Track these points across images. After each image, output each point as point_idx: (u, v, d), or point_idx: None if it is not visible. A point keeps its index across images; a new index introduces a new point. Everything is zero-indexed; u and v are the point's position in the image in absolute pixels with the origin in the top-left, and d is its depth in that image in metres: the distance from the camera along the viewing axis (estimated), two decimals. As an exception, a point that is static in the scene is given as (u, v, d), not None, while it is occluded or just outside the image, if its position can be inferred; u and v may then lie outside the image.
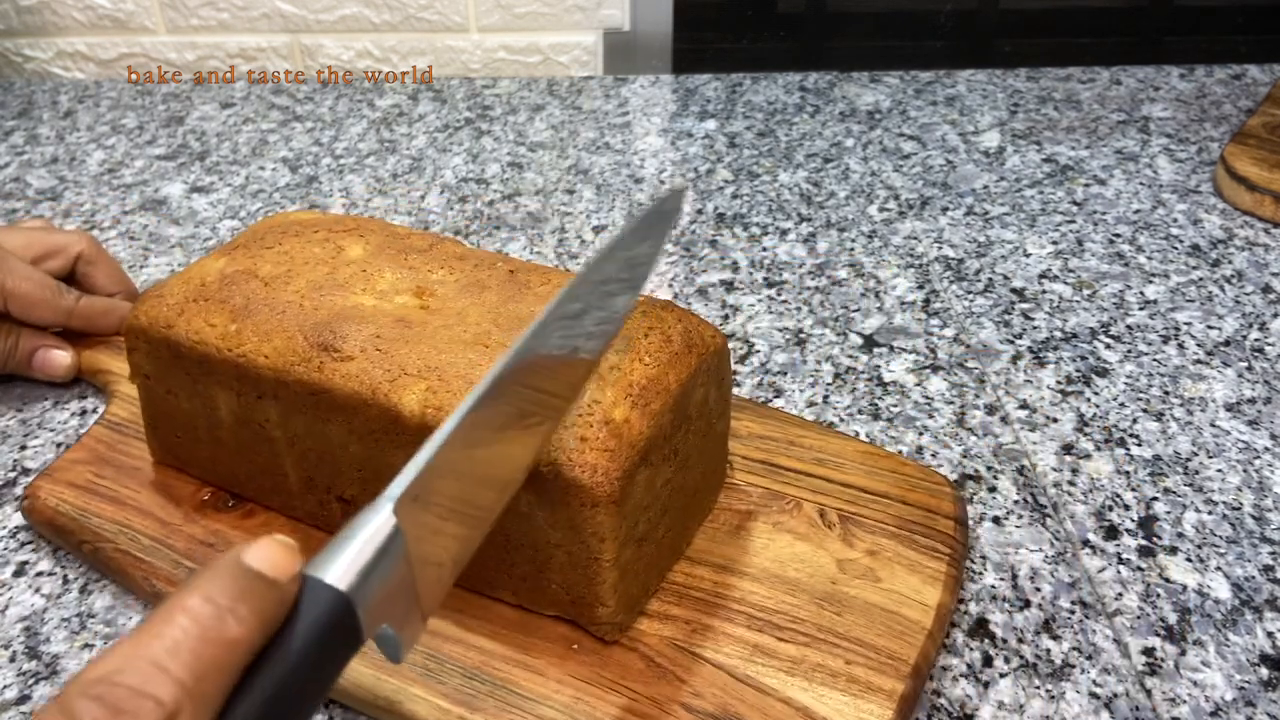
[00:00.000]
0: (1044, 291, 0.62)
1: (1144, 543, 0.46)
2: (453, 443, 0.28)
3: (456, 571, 0.30)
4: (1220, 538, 0.46)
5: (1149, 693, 0.39)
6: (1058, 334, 0.59)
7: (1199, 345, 0.58)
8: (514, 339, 0.38)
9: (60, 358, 0.52)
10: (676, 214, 0.37)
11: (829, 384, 0.55)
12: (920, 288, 0.63)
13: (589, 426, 0.35)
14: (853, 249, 0.67)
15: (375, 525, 0.25)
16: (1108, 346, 0.58)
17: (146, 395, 0.46)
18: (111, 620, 0.43)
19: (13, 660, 0.41)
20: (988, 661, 0.41)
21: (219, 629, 0.21)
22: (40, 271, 0.51)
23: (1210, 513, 0.47)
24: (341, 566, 0.25)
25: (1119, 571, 0.44)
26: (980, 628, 0.42)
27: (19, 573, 0.45)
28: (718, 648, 0.38)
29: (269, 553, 0.24)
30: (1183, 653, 0.41)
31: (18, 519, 0.48)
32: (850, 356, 0.57)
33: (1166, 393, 0.54)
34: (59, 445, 0.52)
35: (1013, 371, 0.56)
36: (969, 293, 0.62)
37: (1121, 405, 0.53)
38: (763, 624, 0.39)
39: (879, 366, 0.56)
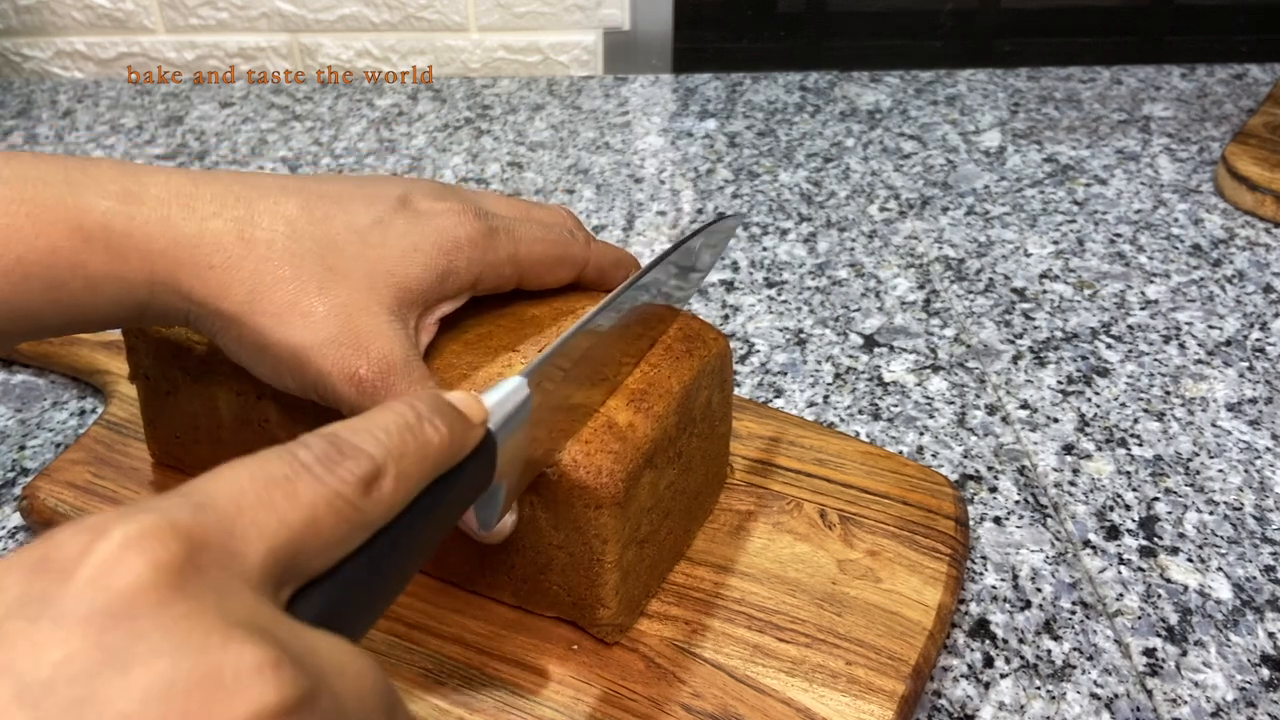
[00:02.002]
0: (1045, 291, 0.62)
1: (1145, 543, 0.46)
2: (570, 347, 0.32)
3: (540, 466, 0.34)
4: (1221, 538, 0.46)
5: (1150, 693, 0.39)
6: (1058, 334, 0.59)
7: (1200, 345, 0.58)
8: (517, 340, 0.38)
9: (508, 521, 0.38)
10: (730, 237, 0.43)
11: (829, 384, 0.55)
12: (921, 288, 0.63)
13: (592, 430, 0.35)
14: (853, 249, 0.67)
15: (511, 388, 0.29)
16: (1109, 346, 0.58)
17: (146, 395, 0.45)
18: (111, 621, 0.43)
19: (12, 661, 0.41)
20: (988, 662, 0.41)
21: (419, 428, 0.24)
22: (539, 223, 0.41)
23: (1211, 513, 0.47)
24: (490, 407, 0.28)
25: (1120, 572, 0.44)
26: (981, 628, 0.42)
27: (18, 573, 0.45)
28: (718, 648, 0.38)
29: (464, 397, 0.27)
30: (1184, 653, 0.41)
31: (16, 519, 0.47)
32: (850, 356, 0.57)
33: (1167, 393, 0.54)
34: (58, 445, 0.52)
35: (1013, 371, 0.56)
36: (970, 293, 0.62)
37: (1122, 405, 0.53)
38: (763, 624, 0.39)
39: (879, 366, 0.56)
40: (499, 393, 0.28)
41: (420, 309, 0.35)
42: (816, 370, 0.56)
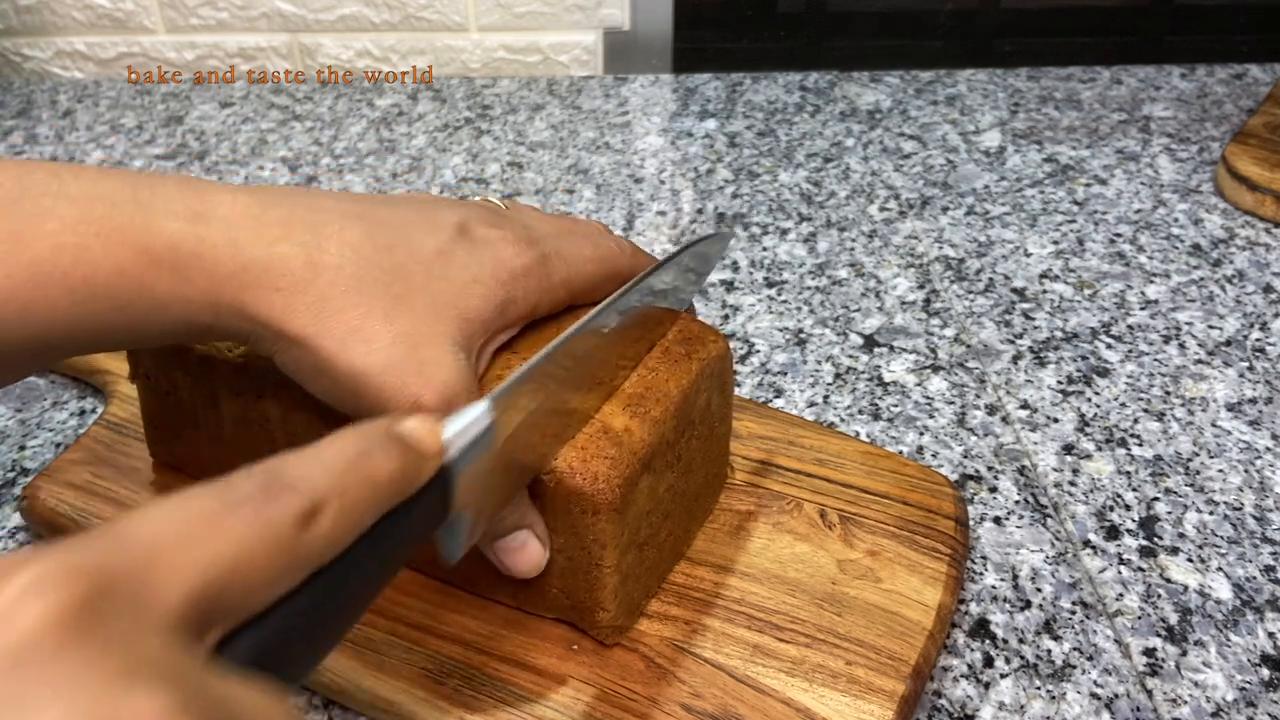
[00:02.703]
0: (1045, 291, 0.62)
1: (1145, 543, 0.46)
2: (539, 372, 0.32)
3: (514, 491, 0.34)
4: (1221, 538, 0.46)
5: (1150, 693, 0.39)
6: (1058, 334, 0.59)
7: (1200, 345, 0.58)
8: (515, 340, 0.38)
9: (535, 553, 0.37)
10: (720, 255, 0.44)
11: (829, 384, 0.55)
12: (921, 287, 0.63)
13: (588, 436, 0.35)
14: (853, 249, 0.67)
15: (474, 415, 0.28)
16: (1109, 346, 0.58)
17: (146, 395, 0.45)
18: (111, 621, 0.42)
19: (12, 661, 0.41)
20: (988, 662, 0.41)
21: (365, 461, 0.24)
22: (590, 238, 0.40)
23: (1211, 513, 0.47)
24: (449, 437, 0.27)
25: (1120, 572, 0.44)
26: (981, 628, 0.42)
27: (18, 573, 0.45)
28: (718, 648, 0.38)
29: (419, 427, 0.26)
30: (1184, 653, 0.41)
31: (16, 519, 0.47)
32: (850, 356, 0.57)
33: (1167, 393, 0.54)
34: (58, 445, 0.52)
35: (1013, 371, 0.56)
36: (970, 292, 0.62)
37: (1122, 405, 0.53)
38: (763, 624, 0.39)
39: (879, 366, 0.56)
40: (461, 420, 0.27)
41: (481, 339, 0.35)
42: (816, 370, 0.56)
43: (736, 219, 0.70)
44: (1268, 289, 0.62)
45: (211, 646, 0.20)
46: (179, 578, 0.19)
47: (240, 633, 0.20)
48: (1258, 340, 0.58)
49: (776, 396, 0.54)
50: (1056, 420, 0.52)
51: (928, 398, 0.54)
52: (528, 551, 0.36)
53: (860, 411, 0.53)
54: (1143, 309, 0.61)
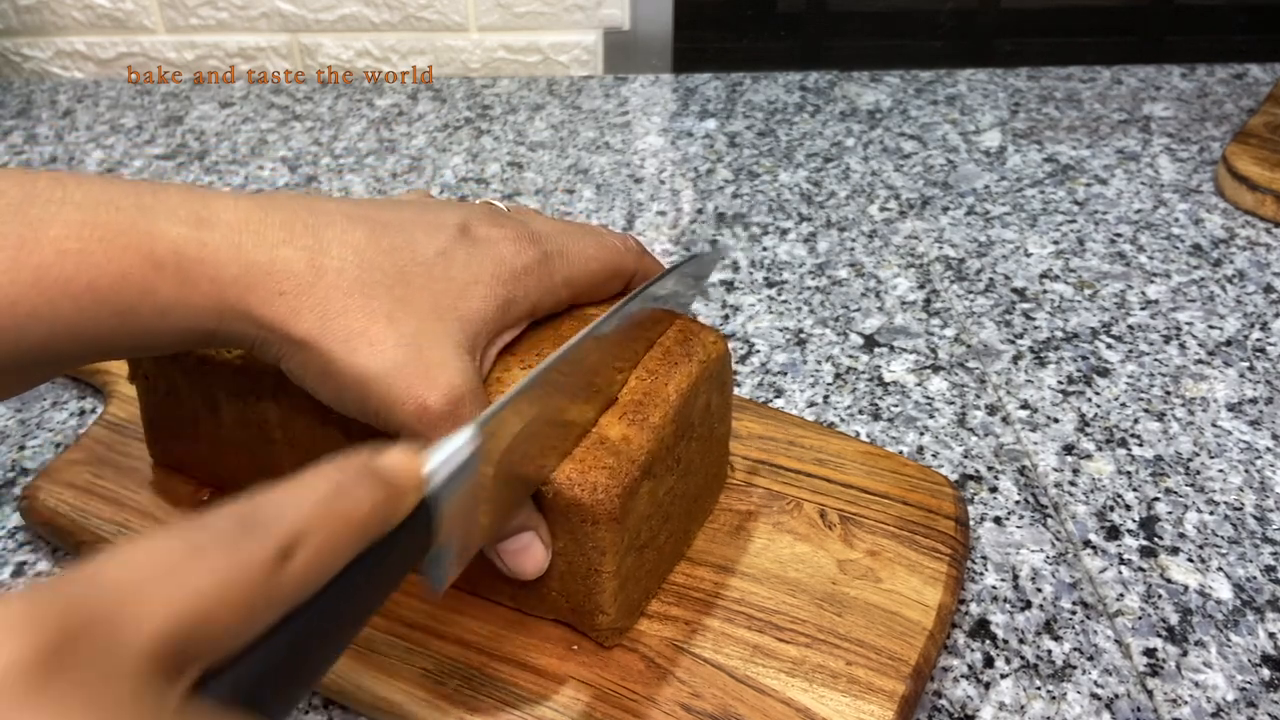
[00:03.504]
0: (1045, 291, 0.62)
1: (1145, 543, 0.46)
2: (526, 395, 0.31)
3: (512, 507, 0.34)
4: (1222, 538, 0.46)
5: (1150, 694, 0.39)
6: (1059, 334, 0.59)
7: (1200, 345, 0.58)
8: (522, 341, 0.38)
9: (539, 555, 0.37)
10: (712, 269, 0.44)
11: (829, 384, 0.55)
12: (921, 287, 0.63)
13: (585, 447, 0.35)
14: (853, 249, 0.67)
15: (457, 444, 0.27)
16: (1109, 346, 0.58)
17: (146, 395, 0.45)
18: (110, 621, 0.42)
19: (11, 661, 0.41)
20: (989, 662, 0.41)
21: (343, 498, 0.23)
22: (592, 235, 0.40)
23: (1212, 513, 0.47)
24: (431, 469, 0.26)
25: (1120, 572, 0.44)
26: (981, 628, 0.42)
27: (18, 573, 0.45)
28: (718, 648, 0.38)
29: (400, 460, 0.26)
30: (1184, 653, 0.41)
31: (16, 519, 0.47)
32: (850, 356, 0.57)
33: (1168, 393, 0.54)
34: (58, 445, 0.52)
35: (1014, 371, 0.56)
36: (970, 293, 0.62)
37: (1123, 405, 0.53)
38: (763, 625, 0.39)
39: (879, 366, 0.56)
40: (444, 450, 0.27)
41: (485, 340, 0.36)
42: (816, 370, 0.56)
43: (736, 219, 0.70)
44: (1268, 289, 0.62)
45: (188, 687, 0.20)
46: (150, 619, 0.19)
47: (219, 672, 0.20)
48: (1258, 340, 0.58)
49: (776, 396, 0.54)
50: (1057, 420, 0.52)
51: (928, 398, 0.54)
52: (531, 553, 0.36)
53: (860, 411, 0.53)
54: (1143, 309, 0.61)
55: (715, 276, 0.64)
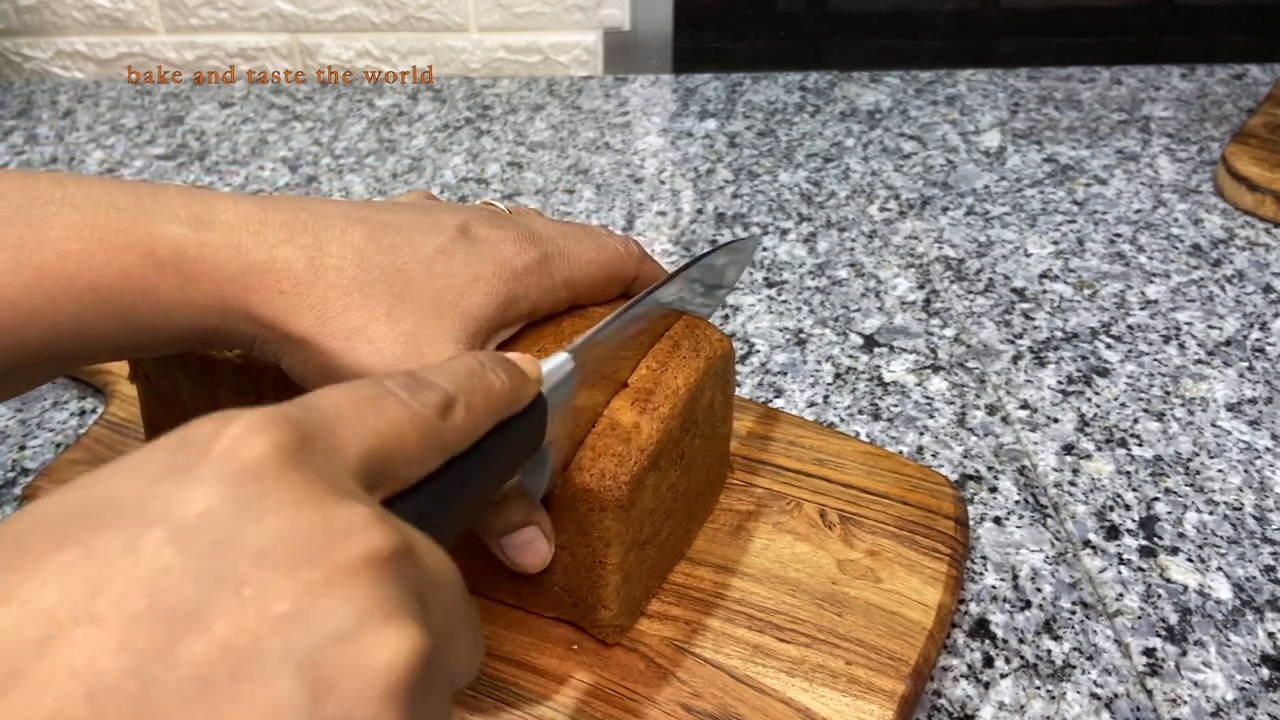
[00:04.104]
0: (1045, 291, 0.62)
1: (1145, 543, 0.46)
2: (604, 335, 0.35)
3: (583, 434, 0.36)
4: (1221, 538, 0.46)
5: (1150, 693, 0.39)
6: (1058, 334, 0.59)
7: (1200, 345, 0.58)
8: (519, 339, 0.38)
9: (542, 549, 0.36)
10: (751, 255, 0.48)
11: (829, 384, 0.55)
12: (921, 288, 0.63)
13: (598, 433, 0.35)
14: (853, 249, 0.67)
15: (559, 361, 0.32)
16: (1108, 346, 0.58)
17: (146, 395, 0.45)
18: (111, 621, 0.42)
19: (12, 661, 0.41)
20: (988, 662, 0.41)
21: (484, 373, 0.28)
22: (593, 238, 0.40)
23: (1211, 513, 0.47)
24: (544, 373, 0.31)
25: (1120, 572, 0.44)
26: (981, 628, 0.42)
27: (18, 573, 0.45)
28: (718, 648, 0.38)
29: (522, 357, 0.30)
30: (1184, 653, 0.41)
31: (17, 519, 0.47)
32: (850, 356, 0.57)
33: (1167, 393, 0.54)
34: (58, 445, 0.52)
35: (1013, 371, 0.56)
36: (969, 293, 0.62)
37: (1122, 405, 0.53)
38: (763, 624, 0.39)
39: (879, 366, 0.56)
40: (549, 364, 0.31)
41: (484, 337, 0.36)
42: (816, 370, 0.56)
43: (736, 219, 0.70)
44: (1267, 289, 0.62)
45: (381, 501, 0.23)
46: (356, 438, 0.22)
47: (390, 504, 0.24)
48: (1257, 340, 0.58)
49: (776, 396, 0.54)
50: (1056, 420, 0.52)
51: (928, 398, 0.54)
52: (534, 548, 0.36)
53: (860, 411, 0.53)
54: (1142, 309, 0.61)
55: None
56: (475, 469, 0.27)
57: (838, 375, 0.56)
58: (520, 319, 0.38)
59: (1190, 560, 0.45)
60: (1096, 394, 0.54)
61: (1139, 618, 0.42)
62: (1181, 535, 0.46)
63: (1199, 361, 0.56)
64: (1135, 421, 0.52)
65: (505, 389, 0.28)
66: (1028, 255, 0.66)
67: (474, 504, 0.28)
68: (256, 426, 0.20)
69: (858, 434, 0.52)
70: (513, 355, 0.30)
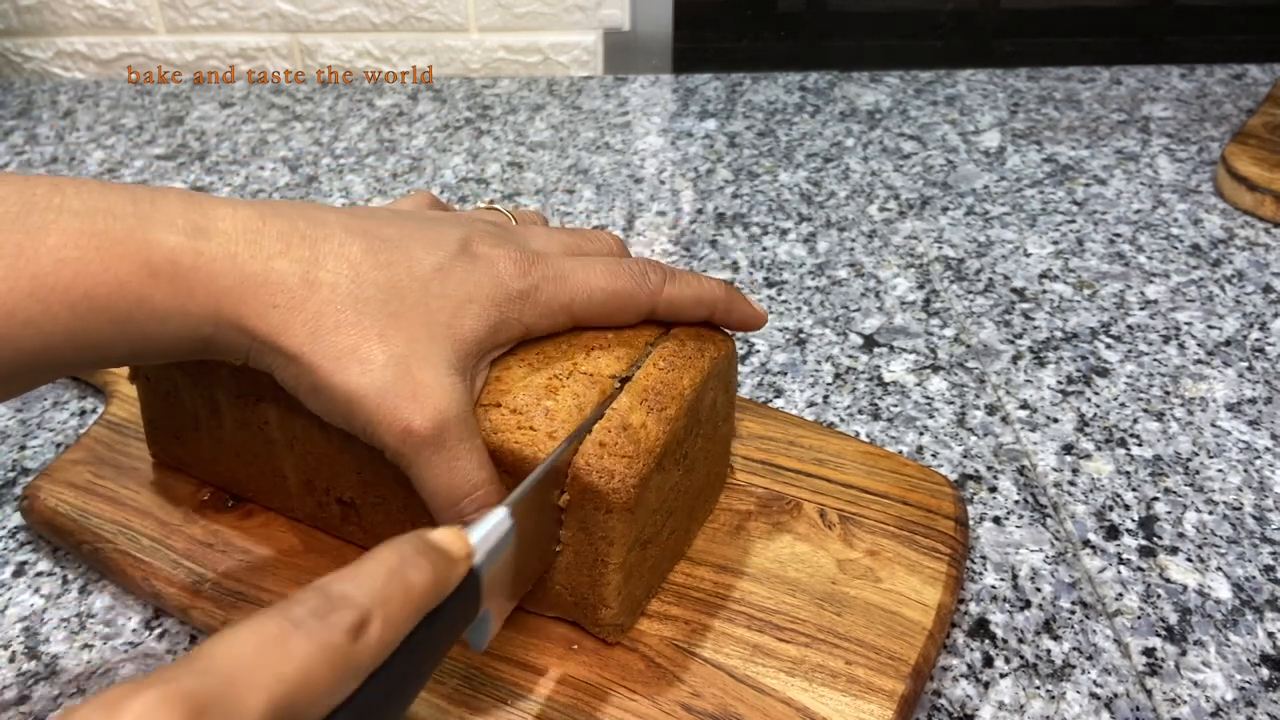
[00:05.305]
0: (1044, 291, 0.62)
1: (1144, 543, 0.46)
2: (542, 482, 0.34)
3: (528, 583, 0.36)
4: (1221, 538, 0.46)
5: (1149, 693, 0.39)
6: (1058, 334, 0.59)
7: (1199, 345, 0.58)
8: (516, 352, 0.38)
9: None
10: None
11: (829, 384, 0.55)
12: (920, 288, 0.63)
13: (607, 432, 0.35)
14: (853, 249, 0.67)
15: (495, 520, 0.30)
16: (1108, 346, 0.58)
17: (146, 395, 0.45)
18: (111, 620, 0.43)
19: (12, 660, 0.41)
20: (988, 662, 0.41)
21: (404, 572, 0.26)
22: (604, 262, 0.38)
23: (1211, 513, 0.47)
24: (475, 543, 0.29)
25: (1119, 572, 0.44)
26: (981, 628, 0.42)
27: (18, 573, 0.45)
28: (718, 648, 0.38)
29: (448, 535, 0.28)
30: (1183, 653, 0.41)
31: (17, 519, 0.48)
32: (850, 356, 0.57)
33: (1167, 393, 0.54)
34: (58, 445, 0.52)
35: (1013, 371, 0.56)
36: (969, 293, 0.62)
37: (1122, 405, 0.53)
38: (763, 624, 0.39)
39: (879, 366, 0.56)
40: (483, 527, 0.30)
41: (475, 360, 0.35)
42: (816, 370, 0.56)
43: (736, 219, 0.70)
44: (1267, 289, 0.62)
45: None
46: (258, 691, 0.22)
47: None
48: (1257, 340, 0.58)
49: (776, 396, 0.54)
50: (1056, 420, 0.52)
51: (928, 398, 0.54)
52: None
53: (860, 411, 0.53)
54: (1142, 309, 0.61)
55: (715, 276, 0.64)
56: (398, 674, 0.26)
57: (837, 375, 0.56)
58: (512, 341, 0.37)
59: (1190, 560, 0.45)
60: (1096, 394, 0.54)
61: (1138, 617, 0.42)
62: (1181, 535, 0.46)
63: (1199, 361, 0.57)
64: (1135, 421, 0.52)
65: (427, 585, 0.26)
66: (1027, 255, 0.66)
67: (401, 704, 0.27)
68: (154, 710, 0.20)
69: (857, 434, 0.52)
70: (438, 534, 0.28)
